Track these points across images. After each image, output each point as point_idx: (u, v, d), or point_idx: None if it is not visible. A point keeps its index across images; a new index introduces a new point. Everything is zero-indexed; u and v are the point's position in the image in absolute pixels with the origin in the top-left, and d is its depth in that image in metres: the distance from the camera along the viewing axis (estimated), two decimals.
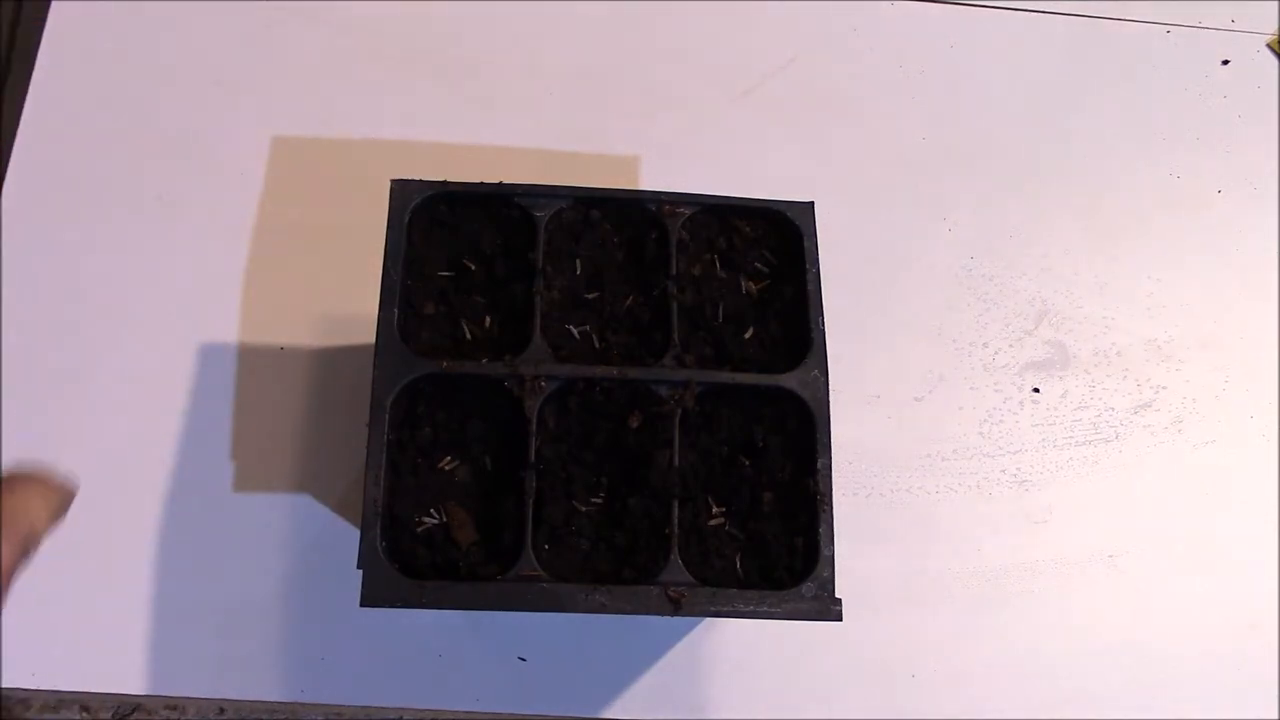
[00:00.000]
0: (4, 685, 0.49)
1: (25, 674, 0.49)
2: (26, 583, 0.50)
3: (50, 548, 0.51)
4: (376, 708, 0.51)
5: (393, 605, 0.41)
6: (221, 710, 0.50)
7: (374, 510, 0.42)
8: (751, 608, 0.42)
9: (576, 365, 0.45)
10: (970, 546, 0.55)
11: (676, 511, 0.43)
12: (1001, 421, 0.58)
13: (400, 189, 0.47)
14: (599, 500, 0.45)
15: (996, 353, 0.59)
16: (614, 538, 0.44)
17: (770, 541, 0.44)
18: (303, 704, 0.50)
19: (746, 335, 0.47)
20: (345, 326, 0.56)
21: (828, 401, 0.45)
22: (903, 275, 0.60)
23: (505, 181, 0.48)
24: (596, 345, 0.47)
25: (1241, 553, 0.56)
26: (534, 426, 0.44)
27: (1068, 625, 0.54)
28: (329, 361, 0.55)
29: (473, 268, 0.48)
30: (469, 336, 0.46)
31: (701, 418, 0.46)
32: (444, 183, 0.48)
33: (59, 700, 0.50)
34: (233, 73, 0.61)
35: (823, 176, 0.62)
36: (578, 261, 0.48)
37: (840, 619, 0.42)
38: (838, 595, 0.43)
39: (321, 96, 0.61)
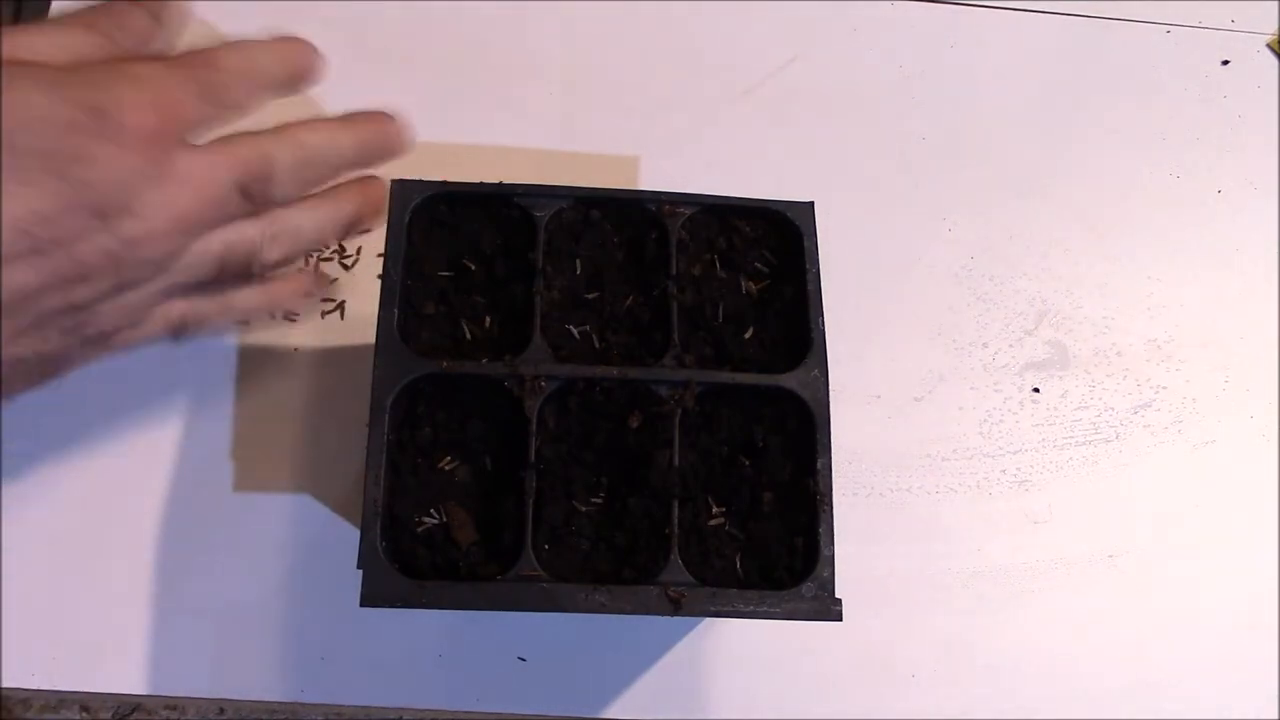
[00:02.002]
0: (4, 685, 0.49)
1: (25, 674, 0.49)
2: (26, 583, 0.50)
3: (51, 547, 0.52)
4: (376, 708, 0.51)
5: (393, 605, 0.41)
6: (221, 710, 0.50)
7: (374, 510, 0.42)
8: (751, 608, 0.42)
9: (576, 365, 0.45)
10: (970, 546, 0.55)
11: (676, 511, 0.43)
12: (1001, 421, 0.58)
13: (400, 189, 0.47)
14: (599, 500, 0.45)
15: (996, 353, 0.59)
16: (614, 538, 0.44)
17: (770, 541, 0.44)
18: (303, 704, 0.50)
19: (746, 335, 0.47)
20: (345, 326, 0.56)
21: (828, 401, 0.45)
22: (903, 275, 0.60)
23: (505, 181, 0.48)
24: (596, 345, 0.47)
25: (1241, 553, 0.56)
26: (534, 426, 0.44)
27: (1068, 625, 0.54)
28: (329, 361, 0.55)
29: (473, 268, 0.48)
30: (469, 336, 0.46)
31: (701, 418, 0.46)
32: (444, 183, 0.48)
33: (59, 700, 0.50)
34: None
35: (823, 176, 0.62)
36: (578, 261, 0.48)
37: (840, 619, 0.42)
38: (838, 595, 0.43)
39: (322, 96, 0.60)
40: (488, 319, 0.47)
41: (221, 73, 0.41)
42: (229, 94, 0.41)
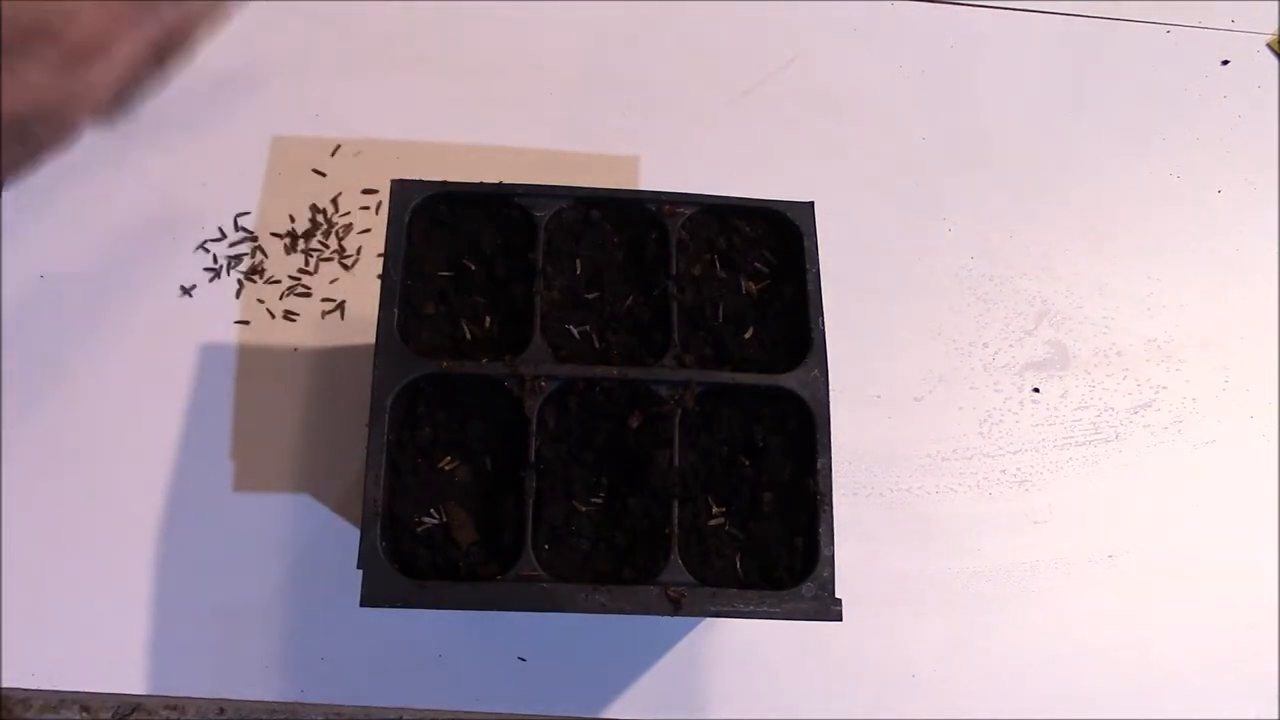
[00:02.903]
0: (4, 685, 0.49)
1: (25, 674, 0.49)
2: (26, 583, 0.51)
3: (50, 547, 0.52)
4: (376, 708, 0.51)
5: (393, 605, 0.41)
6: (221, 710, 0.50)
7: (374, 510, 0.42)
8: (751, 608, 0.42)
9: (576, 365, 0.45)
10: (970, 546, 0.55)
11: (676, 511, 0.43)
12: (1001, 421, 0.58)
13: (400, 189, 0.47)
14: (599, 500, 0.45)
15: (996, 353, 0.59)
16: (614, 538, 0.44)
17: (770, 541, 0.44)
18: (303, 704, 0.50)
19: (746, 335, 0.47)
20: (345, 326, 0.56)
21: (828, 401, 0.45)
22: (903, 275, 0.60)
23: (505, 181, 0.48)
24: (596, 345, 0.47)
25: (1241, 552, 0.56)
26: (534, 426, 0.44)
27: (1068, 625, 0.54)
28: (329, 361, 0.55)
29: (473, 268, 0.48)
30: (469, 336, 0.46)
31: (701, 418, 0.46)
32: (444, 183, 0.48)
33: (59, 700, 0.50)
34: (232, 72, 0.60)
35: (823, 176, 0.62)
36: (578, 261, 0.48)
37: (840, 619, 0.42)
38: (838, 595, 0.43)
39: (321, 96, 0.61)
40: (488, 319, 0.47)
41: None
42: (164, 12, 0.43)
